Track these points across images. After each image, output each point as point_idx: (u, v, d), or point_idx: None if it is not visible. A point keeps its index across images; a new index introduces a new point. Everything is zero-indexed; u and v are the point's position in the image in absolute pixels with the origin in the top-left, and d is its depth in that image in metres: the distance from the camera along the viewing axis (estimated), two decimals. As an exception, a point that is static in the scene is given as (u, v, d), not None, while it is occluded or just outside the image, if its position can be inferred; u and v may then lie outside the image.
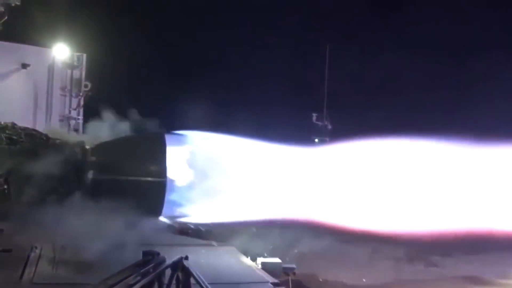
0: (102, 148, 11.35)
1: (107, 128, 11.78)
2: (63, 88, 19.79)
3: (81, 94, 19.88)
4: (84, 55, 20.15)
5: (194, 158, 11.63)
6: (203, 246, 10.40)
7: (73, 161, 10.80)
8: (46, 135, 11.26)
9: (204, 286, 6.70)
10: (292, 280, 10.91)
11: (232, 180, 11.58)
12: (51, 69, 19.55)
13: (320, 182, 12.54)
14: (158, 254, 6.98)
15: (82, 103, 19.89)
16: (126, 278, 6.37)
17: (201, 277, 6.79)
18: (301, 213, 12.34)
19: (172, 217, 11.55)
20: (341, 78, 29.41)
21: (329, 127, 27.89)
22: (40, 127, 13.49)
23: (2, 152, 10.36)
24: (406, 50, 30.28)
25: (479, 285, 17.15)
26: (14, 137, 10.66)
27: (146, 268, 6.68)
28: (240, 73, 30.73)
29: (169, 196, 11.06)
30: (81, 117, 19.91)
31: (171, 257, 6.98)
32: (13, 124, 11.07)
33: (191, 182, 11.46)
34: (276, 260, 11.38)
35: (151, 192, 10.93)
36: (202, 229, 11.66)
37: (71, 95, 19.82)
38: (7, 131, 10.71)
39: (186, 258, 6.98)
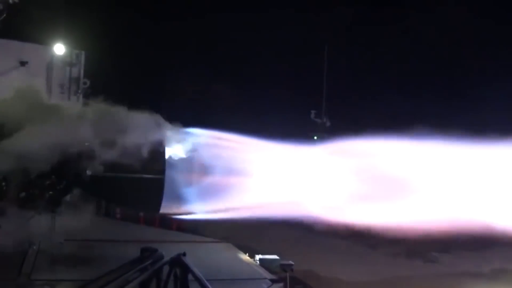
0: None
1: None
2: (61, 86, 19.72)
3: (79, 91, 19.84)
4: (83, 53, 20.10)
5: (193, 154, 11.63)
6: (201, 243, 10.42)
7: (72, 158, 10.80)
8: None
9: (202, 283, 6.71)
10: (290, 277, 10.92)
11: (231, 177, 11.59)
12: (49, 66, 19.46)
13: (318, 179, 12.56)
14: (156, 250, 6.99)
15: (80, 100, 19.86)
16: (124, 274, 6.39)
17: (199, 273, 6.79)
18: (300, 210, 12.35)
19: (170, 214, 11.56)
20: (340, 75, 29.47)
21: (328, 124, 27.91)
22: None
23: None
24: (405, 48, 30.30)
25: (477, 281, 17.17)
26: (13, 134, 10.65)
27: (144, 264, 6.69)
28: (239, 71, 30.73)
29: (168, 193, 11.07)
30: (79, 114, 19.90)
31: (169, 253, 6.98)
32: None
33: (190, 179, 11.46)
34: (274, 256, 11.40)
35: (150, 189, 10.94)
36: (200, 225, 11.68)
37: (69, 93, 19.78)
38: (5, 128, 10.69)
39: (184, 254, 6.98)
